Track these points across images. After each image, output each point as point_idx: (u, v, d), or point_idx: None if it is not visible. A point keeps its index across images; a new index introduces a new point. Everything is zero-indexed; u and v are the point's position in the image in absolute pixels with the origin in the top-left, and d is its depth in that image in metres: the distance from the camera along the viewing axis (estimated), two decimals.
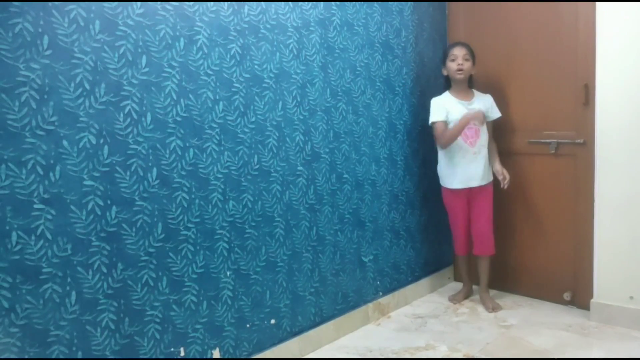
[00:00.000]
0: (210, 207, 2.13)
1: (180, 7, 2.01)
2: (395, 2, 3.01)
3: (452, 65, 2.92)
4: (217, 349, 2.19)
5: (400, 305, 3.07)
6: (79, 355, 1.78)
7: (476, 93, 3.01)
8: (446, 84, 3.03)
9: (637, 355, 2.37)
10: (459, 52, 2.91)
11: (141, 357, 1.94)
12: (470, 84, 3.02)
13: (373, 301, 2.93)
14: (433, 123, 2.92)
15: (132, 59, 1.87)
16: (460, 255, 3.16)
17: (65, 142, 1.71)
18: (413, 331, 2.77)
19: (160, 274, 1.99)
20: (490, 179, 3.00)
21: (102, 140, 1.80)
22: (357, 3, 2.76)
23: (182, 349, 2.07)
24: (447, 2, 3.35)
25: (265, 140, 2.33)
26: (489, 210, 3.00)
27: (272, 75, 2.34)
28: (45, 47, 1.66)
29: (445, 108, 2.90)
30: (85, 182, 1.77)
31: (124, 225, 1.87)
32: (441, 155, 3.01)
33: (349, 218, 2.77)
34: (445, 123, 2.88)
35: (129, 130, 1.88)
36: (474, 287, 3.22)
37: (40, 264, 1.67)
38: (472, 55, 2.94)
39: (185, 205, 2.05)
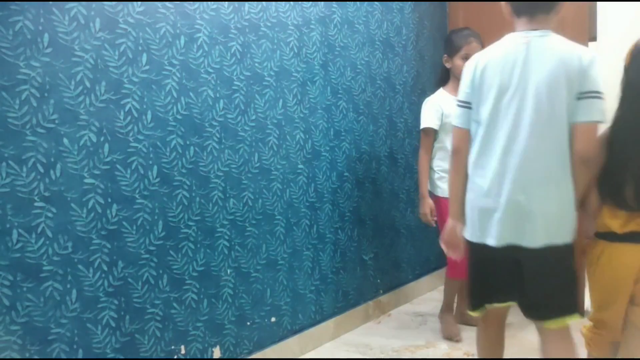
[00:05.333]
0: (210, 205, 2.13)
1: (181, 5, 2.00)
2: (396, 1, 3.01)
3: (460, 65, 2.41)
4: (218, 347, 2.19)
5: (400, 303, 3.08)
6: (80, 353, 1.78)
7: None
8: (444, 78, 2.64)
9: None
10: (475, 50, 2.32)
11: (142, 355, 1.94)
12: None
13: (373, 299, 2.93)
14: (424, 129, 2.55)
15: (133, 57, 1.87)
16: (460, 278, 2.49)
17: (65, 140, 1.71)
18: (413, 329, 2.77)
19: (160, 272, 1.99)
20: None
21: (102, 138, 1.80)
22: (358, 1, 2.76)
23: (182, 347, 2.07)
24: (447, 2, 3.35)
25: (265, 138, 2.33)
26: None
27: (272, 73, 2.34)
28: (46, 45, 1.66)
29: (440, 111, 2.53)
30: (86, 180, 1.77)
31: (124, 223, 1.87)
32: (440, 160, 2.57)
33: (350, 216, 2.77)
34: (436, 131, 2.54)
35: (129, 128, 1.87)
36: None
37: (40, 262, 1.67)
38: None
39: (186, 204, 2.05)
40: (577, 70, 1.52)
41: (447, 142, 2.48)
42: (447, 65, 2.56)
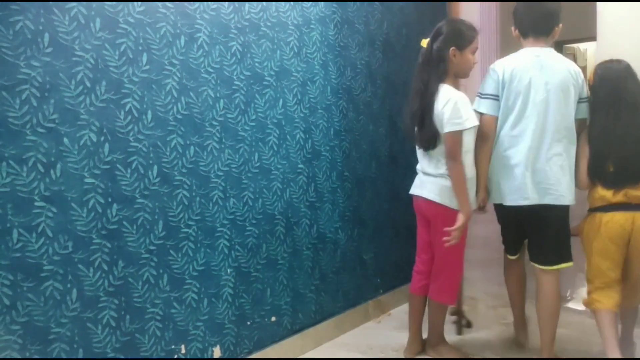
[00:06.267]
0: (211, 204, 2.14)
1: (181, 5, 2.00)
2: (396, 1, 3.01)
3: (471, 59, 2.24)
4: (218, 347, 2.19)
5: (400, 303, 3.08)
6: (80, 352, 1.78)
7: None
8: (444, 73, 2.21)
9: (637, 355, 2.37)
10: (478, 43, 2.26)
11: (142, 354, 1.94)
12: None
13: (373, 299, 2.93)
14: (468, 129, 2.16)
15: (133, 56, 1.87)
16: (452, 303, 2.54)
17: (66, 140, 1.71)
18: None
19: (161, 271, 1.99)
20: None
21: (102, 138, 1.80)
22: (358, 1, 2.76)
23: (182, 347, 2.07)
24: (447, 2, 3.34)
25: (265, 138, 2.33)
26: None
27: (272, 73, 2.34)
28: (46, 44, 1.66)
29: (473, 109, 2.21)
30: (86, 180, 1.77)
31: (124, 222, 1.88)
32: (468, 167, 2.23)
33: (350, 216, 2.77)
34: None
35: (129, 128, 1.87)
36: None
37: (41, 262, 1.68)
38: None
39: (186, 203, 2.05)
40: (579, 79, 2.17)
41: (471, 144, 2.22)
42: (455, 59, 2.19)
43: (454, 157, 2.15)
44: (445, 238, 2.17)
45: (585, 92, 2.19)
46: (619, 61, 2.17)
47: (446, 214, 2.22)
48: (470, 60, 2.24)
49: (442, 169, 2.22)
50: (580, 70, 2.17)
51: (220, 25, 2.14)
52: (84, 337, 1.79)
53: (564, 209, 2.17)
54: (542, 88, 2.11)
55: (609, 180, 2.09)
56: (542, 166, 2.12)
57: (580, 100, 2.17)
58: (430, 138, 2.19)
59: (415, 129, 2.27)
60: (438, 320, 2.43)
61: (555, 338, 2.24)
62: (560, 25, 2.17)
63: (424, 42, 2.25)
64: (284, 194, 2.42)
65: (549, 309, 2.23)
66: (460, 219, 2.16)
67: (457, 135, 2.14)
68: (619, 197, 2.08)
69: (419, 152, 2.34)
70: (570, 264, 2.20)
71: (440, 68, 2.19)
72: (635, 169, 2.07)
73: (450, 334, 2.59)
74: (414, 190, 2.37)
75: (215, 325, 2.18)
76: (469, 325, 2.76)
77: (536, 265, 2.23)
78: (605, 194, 2.11)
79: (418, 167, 2.37)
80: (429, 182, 2.27)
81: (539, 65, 2.12)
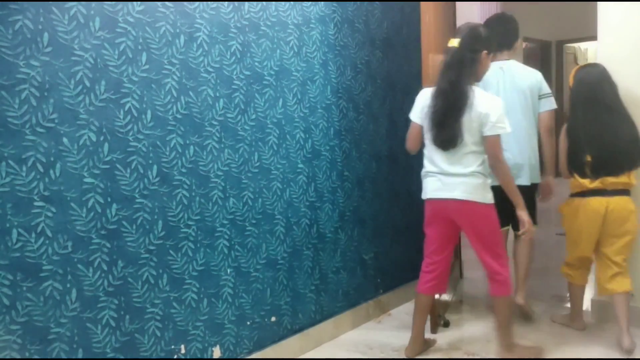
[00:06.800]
0: (210, 204, 2.13)
1: (181, 4, 2.00)
2: (396, 1, 3.01)
3: (489, 64, 2.32)
4: (218, 347, 2.19)
5: (400, 303, 3.07)
6: (80, 352, 1.78)
7: None
8: (472, 77, 2.26)
9: (637, 355, 2.37)
10: None
11: (142, 354, 1.94)
12: None
13: (374, 299, 2.93)
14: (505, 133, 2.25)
15: (132, 56, 1.87)
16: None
17: (65, 140, 1.71)
18: None
19: (160, 271, 1.99)
20: None
21: (102, 138, 1.80)
22: (358, 1, 2.75)
23: (182, 347, 2.07)
24: (455, 2, 3.32)
25: (265, 137, 2.33)
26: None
27: (272, 72, 2.34)
28: (45, 44, 1.65)
29: None
30: (86, 180, 1.77)
31: (124, 222, 1.87)
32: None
33: (350, 216, 2.77)
34: None
35: (129, 127, 1.87)
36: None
37: (40, 262, 1.67)
38: None
39: (186, 203, 2.05)
40: (536, 82, 2.70)
41: None
42: (483, 62, 2.25)
43: (498, 157, 2.22)
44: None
45: (545, 88, 2.69)
46: (595, 65, 2.49)
47: (482, 210, 2.26)
48: (489, 65, 2.31)
49: (473, 167, 2.21)
50: (538, 74, 2.70)
51: (220, 24, 2.13)
52: (84, 337, 1.79)
53: (529, 188, 2.67)
54: (507, 92, 2.61)
55: (586, 170, 2.40)
56: (510, 155, 2.56)
57: (540, 97, 2.68)
58: (453, 137, 2.18)
59: (432, 128, 2.23)
60: (508, 317, 2.35)
61: (527, 275, 2.78)
62: (520, 40, 2.71)
63: (454, 42, 2.20)
64: (284, 194, 2.42)
65: (522, 254, 2.78)
66: (524, 215, 2.28)
67: (499, 138, 2.21)
68: (596, 184, 2.38)
69: (436, 153, 2.25)
70: (536, 226, 2.68)
71: (472, 69, 2.21)
72: (610, 161, 2.37)
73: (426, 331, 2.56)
74: (438, 193, 2.27)
75: (215, 325, 2.18)
76: (446, 324, 2.77)
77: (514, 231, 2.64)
78: (583, 181, 2.41)
79: (432, 168, 2.28)
80: (459, 183, 2.23)
81: (502, 75, 2.66)
